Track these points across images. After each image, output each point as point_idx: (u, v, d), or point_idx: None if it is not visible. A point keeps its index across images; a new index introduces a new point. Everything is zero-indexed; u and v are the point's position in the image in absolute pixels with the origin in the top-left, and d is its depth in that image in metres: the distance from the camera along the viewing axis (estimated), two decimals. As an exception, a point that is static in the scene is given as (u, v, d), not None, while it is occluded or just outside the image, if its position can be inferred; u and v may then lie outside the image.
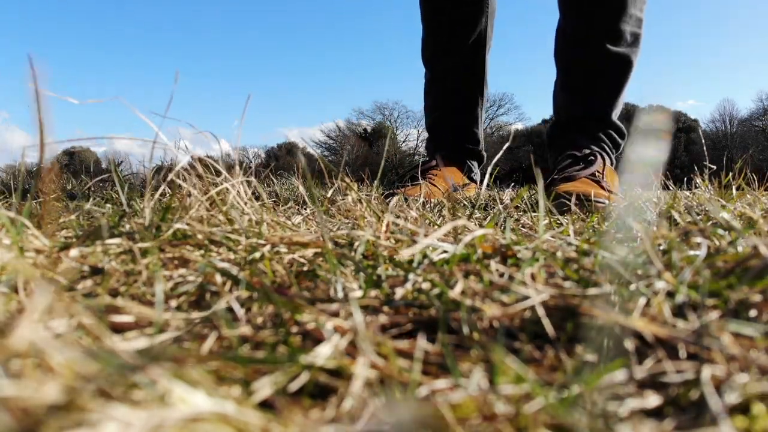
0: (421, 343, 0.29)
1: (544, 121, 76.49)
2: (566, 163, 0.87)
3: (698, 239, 0.41)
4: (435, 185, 1.10)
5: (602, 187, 0.79)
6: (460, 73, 1.12)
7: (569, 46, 0.91)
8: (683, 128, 71.82)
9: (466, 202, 1.02)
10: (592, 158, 0.85)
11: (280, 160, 78.89)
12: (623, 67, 0.88)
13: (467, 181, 1.18)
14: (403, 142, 69.27)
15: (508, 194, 0.99)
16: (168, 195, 0.54)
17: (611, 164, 0.93)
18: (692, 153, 62.82)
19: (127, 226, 0.49)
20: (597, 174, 0.82)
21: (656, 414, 0.24)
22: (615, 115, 0.93)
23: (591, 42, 0.87)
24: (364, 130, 68.59)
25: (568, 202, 0.70)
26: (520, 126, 65.28)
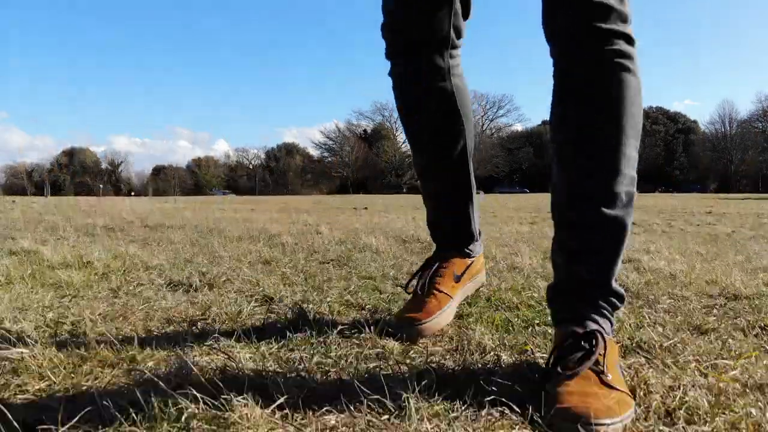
0: None
1: (544, 123, 76.72)
2: (567, 344, 0.88)
3: None
4: (442, 290, 1.17)
5: (603, 383, 0.81)
6: (449, 190, 1.20)
7: (562, 207, 0.92)
8: (682, 129, 71.83)
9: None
10: (594, 340, 0.86)
11: (280, 161, 78.78)
12: (619, 230, 0.88)
13: (468, 264, 1.27)
14: (403, 143, 69.54)
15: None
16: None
17: (611, 328, 0.95)
18: (691, 154, 63.10)
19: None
20: (599, 362, 0.83)
21: None
22: (614, 280, 0.94)
23: (585, 206, 0.88)
24: (364, 131, 68.87)
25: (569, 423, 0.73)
26: (519, 127, 65.67)
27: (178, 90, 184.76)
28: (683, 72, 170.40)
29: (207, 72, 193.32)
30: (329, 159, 62.85)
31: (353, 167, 53.23)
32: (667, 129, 66.08)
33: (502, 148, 56.26)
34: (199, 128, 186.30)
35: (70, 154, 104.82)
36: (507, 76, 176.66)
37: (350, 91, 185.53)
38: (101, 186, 70.23)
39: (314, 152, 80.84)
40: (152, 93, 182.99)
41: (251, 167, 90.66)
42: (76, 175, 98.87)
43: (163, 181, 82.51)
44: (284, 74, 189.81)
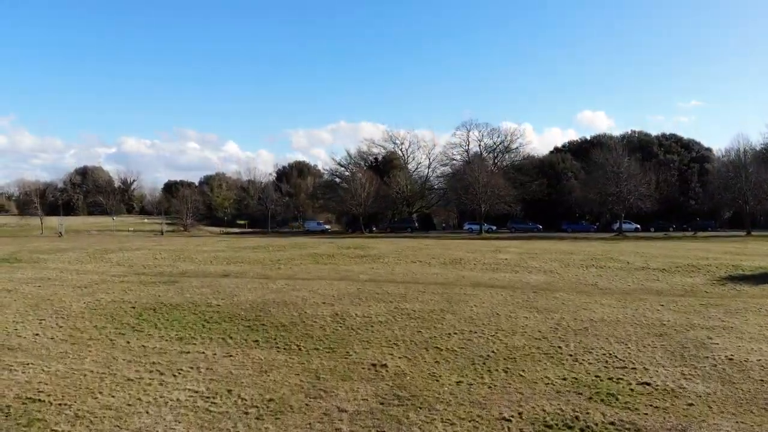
0: None
1: (557, 150, 76.10)
2: None
3: None
4: None
5: None
6: None
7: None
8: (696, 158, 71.14)
9: None
10: None
11: (291, 180, 79.24)
12: None
13: None
14: (414, 170, 69.51)
15: None
16: None
17: None
18: (706, 184, 62.49)
19: None
20: None
21: None
22: None
23: None
24: (375, 159, 68.81)
25: None
26: (535, 153, 65.30)
27: (186, 92, 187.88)
28: (688, 72, 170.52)
29: (216, 74, 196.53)
30: (342, 185, 62.47)
31: (365, 205, 53.13)
32: (682, 158, 65.47)
33: (515, 182, 55.96)
34: (207, 130, 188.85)
35: (83, 173, 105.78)
36: (516, 103, 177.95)
37: (356, 92, 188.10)
38: (114, 218, 70.24)
39: (326, 174, 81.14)
40: (161, 94, 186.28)
41: (262, 186, 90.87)
42: (89, 194, 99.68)
43: (175, 200, 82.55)
44: (291, 77, 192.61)
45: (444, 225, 63.21)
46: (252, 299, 14.39)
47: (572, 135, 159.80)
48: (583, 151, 65.04)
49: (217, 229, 78.62)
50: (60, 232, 53.31)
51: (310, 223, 61.62)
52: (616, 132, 77.43)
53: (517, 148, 62.94)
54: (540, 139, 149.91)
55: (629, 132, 70.94)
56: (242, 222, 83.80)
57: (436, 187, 65.33)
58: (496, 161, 61.76)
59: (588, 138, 71.56)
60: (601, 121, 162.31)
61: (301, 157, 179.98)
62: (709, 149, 69.31)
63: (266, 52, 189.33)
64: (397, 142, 69.02)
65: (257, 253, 27.31)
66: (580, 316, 12.73)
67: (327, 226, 59.39)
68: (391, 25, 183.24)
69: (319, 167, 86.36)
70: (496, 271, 20.88)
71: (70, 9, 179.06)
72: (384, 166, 65.04)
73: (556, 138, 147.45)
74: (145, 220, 78.80)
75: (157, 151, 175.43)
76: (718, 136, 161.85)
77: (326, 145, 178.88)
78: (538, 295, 15.37)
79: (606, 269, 21.15)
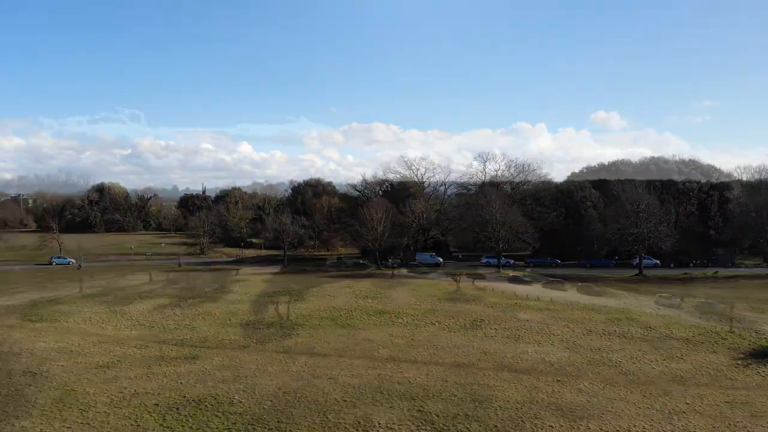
0: None
1: (574, 176, 74.67)
2: None
3: None
4: None
5: None
6: None
7: None
8: (716, 185, 69.94)
9: None
10: None
11: (305, 197, 78.00)
12: None
13: None
14: (431, 195, 69.16)
15: None
16: None
17: None
18: (727, 212, 61.40)
19: None
20: None
21: None
22: None
23: None
24: (390, 185, 68.69)
25: None
26: (554, 179, 64.72)
27: (201, 94, 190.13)
28: (701, 72, 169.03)
29: (231, 75, 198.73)
30: (357, 206, 62.10)
31: (381, 240, 52.91)
32: (701, 186, 64.61)
33: (532, 213, 55.58)
34: (221, 131, 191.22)
35: (100, 189, 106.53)
36: (531, 107, 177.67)
37: (367, 93, 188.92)
38: (132, 247, 70.59)
39: (340, 189, 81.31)
40: (174, 96, 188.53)
41: (278, 201, 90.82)
42: (107, 211, 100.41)
43: (192, 218, 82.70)
44: (305, 77, 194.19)
45: (460, 255, 62.62)
46: (273, 391, 14.37)
47: (586, 135, 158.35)
48: (600, 178, 64.54)
49: (233, 251, 78.69)
50: (79, 265, 53.66)
51: (422, 255, 57.76)
52: (633, 156, 76.56)
53: (533, 180, 62.50)
54: (554, 138, 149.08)
55: (647, 158, 70.42)
56: (258, 242, 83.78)
57: (451, 212, 64.75)
58: (513, 191, 61.28)
59: (606, 164, 71.15)
60: (615, 121, 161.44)
61: (314, 157, 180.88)
62: (728, 175, 68.44)
63: (279, 54, 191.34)
64: (413, 167, 68.95)
65: (274, 305, 27.36)
66: (606, 425, 12.53)
67: (440, 259, 56.45)
68: (404, 25, 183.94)
69: (331, 169, 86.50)
70: (518, 341, 20.62)
71: (83, 11, 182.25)
72: (400, 192, 64.88)
73: (570, 137, 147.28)
74: (163, 244, 78.89)
75: (171, 152, 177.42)
76: (729, 137, 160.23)
77: (338, 145, 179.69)
78: (563, 387, 15.15)
79: (628, 339, 20.80)
